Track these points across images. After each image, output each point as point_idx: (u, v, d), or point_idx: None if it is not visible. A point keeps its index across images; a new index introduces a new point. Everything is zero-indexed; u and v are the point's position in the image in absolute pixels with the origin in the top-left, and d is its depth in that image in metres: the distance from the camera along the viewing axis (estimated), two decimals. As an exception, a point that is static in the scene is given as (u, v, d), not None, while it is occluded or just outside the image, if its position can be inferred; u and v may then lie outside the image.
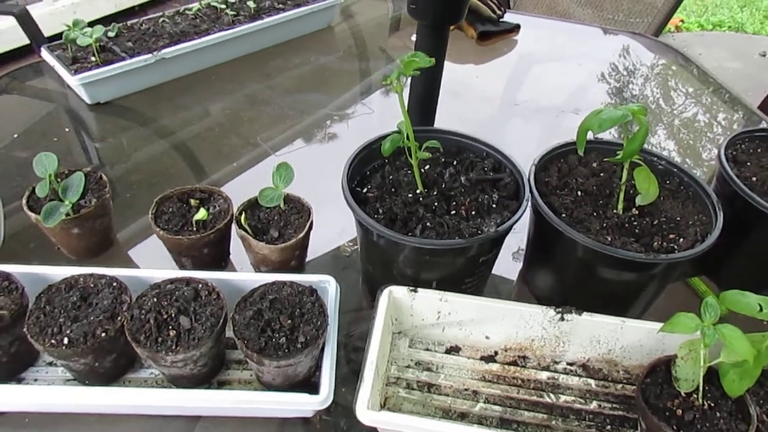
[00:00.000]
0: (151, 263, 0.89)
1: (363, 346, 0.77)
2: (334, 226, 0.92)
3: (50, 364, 0.71)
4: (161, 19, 1.34)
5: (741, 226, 0.78)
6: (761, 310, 0.61)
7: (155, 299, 0.66)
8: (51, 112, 1.24)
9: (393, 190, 0.76)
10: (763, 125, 1.29)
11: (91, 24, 1.22)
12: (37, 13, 1.57)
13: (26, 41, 1.68)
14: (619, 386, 0.73)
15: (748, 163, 0.85)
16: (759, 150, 0.88)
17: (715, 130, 1.30)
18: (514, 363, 0.74)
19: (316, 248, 0.85)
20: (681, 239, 0.71)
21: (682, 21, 3.80)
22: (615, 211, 0.75)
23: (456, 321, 0.73)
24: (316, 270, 0.87)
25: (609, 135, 1.18)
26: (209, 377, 0.69)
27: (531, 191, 0.73)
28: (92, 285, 0.68)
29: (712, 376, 0.64)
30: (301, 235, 0.77)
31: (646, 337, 0.70)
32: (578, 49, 1.56)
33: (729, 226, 0.72)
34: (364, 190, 0.76)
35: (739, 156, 0.86)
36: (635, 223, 0.74)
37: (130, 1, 3.50)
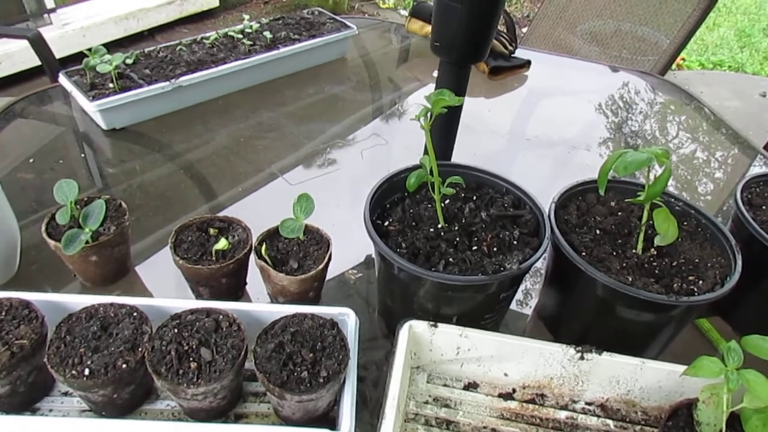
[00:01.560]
0: (166, 290, 0.89)
1: (367, 375, 0.77)
2: (344, 254, 0.91)
3: (65, 394, 0.70)
4: (178, 47, 1.36)
5: (758, 269, 0.79)
6: (783, 355, 0.61)
7: (176, 330, 0.66)
8: (66, 137, 1.25)
9: (414, 224, 0.76)
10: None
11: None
12: (46, 37, 1.60)
13: (35, 63, 1.69)
14: (638, 428, 0.72)
15: (763, 207, 0.85)
16: (774, 193, 0.89)
17: (718, 167, 1.31)
18: (532, 401, 0.74)
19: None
20: (700, 281, 0.72)
21: (683, 59, 3.87)
22: (634, 251, 0.75)
23: (475, 357, 0.73)
24: (324, 297, 0.87)
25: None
26: (227, 410, 0.68)
27: (552, 229, 0.74)
28: (112, 315, 0.68)
29: (735, 421, 0.63)
30: (321, 266, 0.77)
31: (666, 378, 0.70)
32: (588, 86, 1.59)
33: (746, 269, 0.72)
34: (386, 224, 0.77)
35: (754, 199, 0.87)
36: (654, 263, 0.74)
37: (139, 26, 3.56)
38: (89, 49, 1.20)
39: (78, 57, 1.22)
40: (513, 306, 0.89)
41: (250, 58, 1.34)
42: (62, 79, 1.23)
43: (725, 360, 0.61)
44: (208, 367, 0.63)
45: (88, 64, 1.18)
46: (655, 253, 0.75)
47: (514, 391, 0.74)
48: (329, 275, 0.90)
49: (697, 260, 0.75)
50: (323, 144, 1.26)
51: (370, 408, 0.73)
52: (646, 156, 0.64)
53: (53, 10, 3.19)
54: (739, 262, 0.72)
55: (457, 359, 0.73)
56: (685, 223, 0.81)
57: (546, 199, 0.80)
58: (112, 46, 1.26)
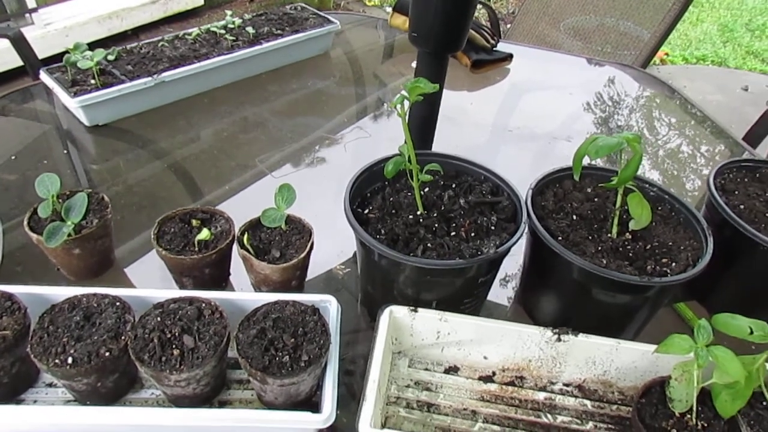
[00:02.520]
0: (151, 284, 0.89)
1: (355, 369, 0.78)
2: (330, 247, 0.93)
3: (50, 385, 0.71)
4: (160, 43, 1.36)
5: (730, 252, 0.81)
6: (752, 332, 0.63)
7: (159, 318, 0.66)
8: (48, 135, 1.25)
9: (394, 211, 0.77)
10: (748, 156, 1.34)
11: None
12: (28, 37, 1.60)
13: (17, 64, 1.68)
14: (614, 407, 0.74)
15: (736, 192, 0.87)
16: (746, 179, 0.91)
17: (700, 160, 1.33)
18: (511, 383, 0.75)
19: (310, 268, 0.86)
20: (673, 263, 0.74)
21: (667, 54, 3.91)
22: (609, 235, 0.77)
23: (455, 341, 0.74)
24: (311, 291, 0.88)
25: (600, 162, 1.21)
26: (210, 397, 0.69)
27: (529, 214, 0.75)
28: (95, 305, 0.69)
29: (705, 396, 0.65)
30: (303, 255, 0.78)
31: (641, 358, 0.72)
32: (569, 79, 1.61)
33: (718, 253, 0.74)
34: (366, 211, 0.78)
35: (727, 185, 0.89)
36: (629, 247, 0.76)
37: (122, 26, 3.53)
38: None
39: (61, 57, 1.22)
40: (495, 295, 0.90)
41: (232, 53, 1.34)
42: (43, 76, 1.23)
43: (695, 337, 0.63)
44: (190, 354, 0.63)
45: (69, 60, 1.18)
46: (630, 237, 0.77)
47: (493, 374, 0.76)
48: (317, 270, 0.91)
49: (670, 243, 0.77)
50: (307, 139, 1.27)
51: (357, 399, 0.74)
52: (617, 140, 0.66)
53: (35, 10, 3.16)
54: (711, 245, 0.74)
55: (438, 343, 0.74)
56: (659, 208, 0.83)
57: (527, 188, 0.81)
58: (95, 46, 1.26)
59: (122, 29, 3.54)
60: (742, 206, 0.85)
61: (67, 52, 1.20)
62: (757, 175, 0.93)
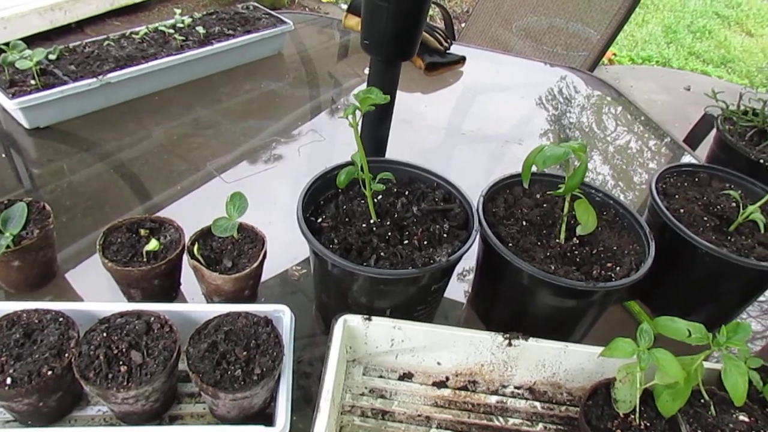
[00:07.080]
0: (97, 295, 0.86)
1: (312, 371, 0.78)
2: (285, 253, 0.92)
3: (-12, 404, 0.68)
4: (106, 42, 1.31)
5: (671, 255, 0.84)
6: (690, 335, 0.66)
7: (105, 334, 0.64)
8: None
9: (347, 219, 0.77)
10: (688, 158, 1.39)
11: (24, 40, 1.18)
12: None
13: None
14: (563, 408, 0.76)
15: (677, 196, 0.91)
16: (686, 184, 0.95)
17: (645, 158, 1.39)
18: (464, 388, 0.76)
19: (264, 273, 0.85)
20: (618, 267, 0.76)
21: (614, 54, 4.03)
22: (557, 240, 0.79)
23: (409, 348, 0.75)
24: (265, 295, 0.87)
25: (550, 168, 1.24)
26: (161, 413, 0.68)
27: (480, 222, 0.76)
28: (36, 321, 0.66)
29: (648, 397, 0.68)
30: (255, 264, 0.77)
31: (588, 360, 0.74)
32: (521, 82, 1.64)
33: (660, 255, 0.77)
34: (319, 220, 0.77)
35: (668, 189, 0.92)
36: (576, 252, 0.78)
37: (66, 18, 3.39)
38: (7, 44, 1.14)
39: (-1, 51, 1.16)
40: (449, 300, 0.91)
41: (182, 54, 1.31)
42: (-21, 76, 1.17)
43: (637, 341, 0.65)
44: (138, 370, 0.62)
45: (5, 60, 1.13)
46: (577, 242, 0.79)
47: (447, 379, 0.77)
48: (272, 273, 0.90)
49: (615, 248, 0.79)
50: (260, 141, 1.25)
51: (313, 405, 0.74)
52: (563, 150, 0.67)
53: (-29, 1, 3.01)
54: (653, 249, 0.77)
55: (392, 351, 0.75)
56: (605, 213, 0.85)
57: (479, 192, 0.83)
58: (37, 40, 1.21)
59: (66, 22, 3.39)
60: (681, 210, 0.89)
61: (2, 50, 1.15)
62: (696, 179, 0.97)
